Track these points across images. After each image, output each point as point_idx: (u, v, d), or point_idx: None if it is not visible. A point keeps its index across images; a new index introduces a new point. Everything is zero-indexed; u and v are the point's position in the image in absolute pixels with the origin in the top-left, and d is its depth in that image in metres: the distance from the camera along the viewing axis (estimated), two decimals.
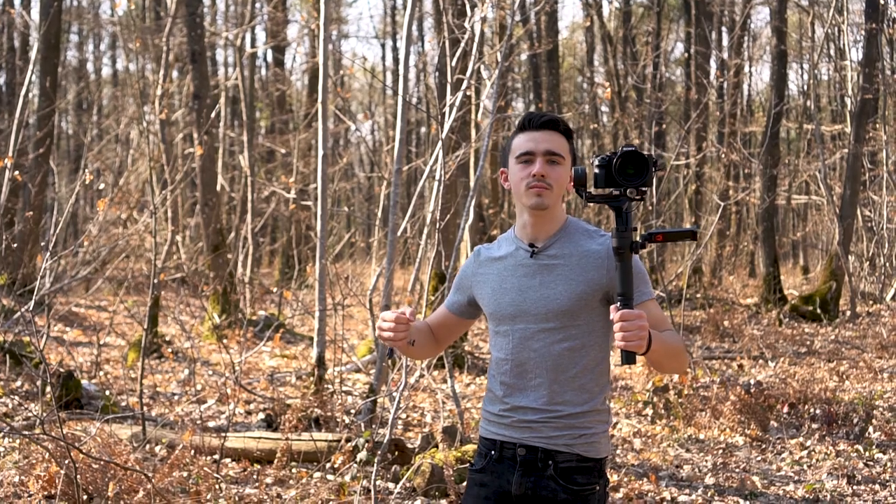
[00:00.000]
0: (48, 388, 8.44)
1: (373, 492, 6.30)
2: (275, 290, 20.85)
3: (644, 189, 3.00)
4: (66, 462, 5.86)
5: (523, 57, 27.72)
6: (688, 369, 10.99)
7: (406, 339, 3.25)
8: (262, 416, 9.28)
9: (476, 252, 3.57)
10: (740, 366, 12.81)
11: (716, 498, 7.14)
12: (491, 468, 3.36)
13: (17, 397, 9.65)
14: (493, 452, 3.36)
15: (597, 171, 3.02)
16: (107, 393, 9.88)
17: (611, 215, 3.49)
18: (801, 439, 8.85)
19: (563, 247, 3.29)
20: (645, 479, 7.52)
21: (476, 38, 9.76)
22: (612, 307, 2.99)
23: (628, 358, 2.96)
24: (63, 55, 30.32)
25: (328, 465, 7.38)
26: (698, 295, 20.93)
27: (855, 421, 9.15)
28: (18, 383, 10.37)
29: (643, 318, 2.93)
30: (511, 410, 3.32)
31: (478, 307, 3.53)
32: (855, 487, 7.35)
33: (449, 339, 3.63)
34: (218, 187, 19.43)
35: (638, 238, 3.02)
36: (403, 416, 9.80)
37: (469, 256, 3.59)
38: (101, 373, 11.61)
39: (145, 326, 9.05)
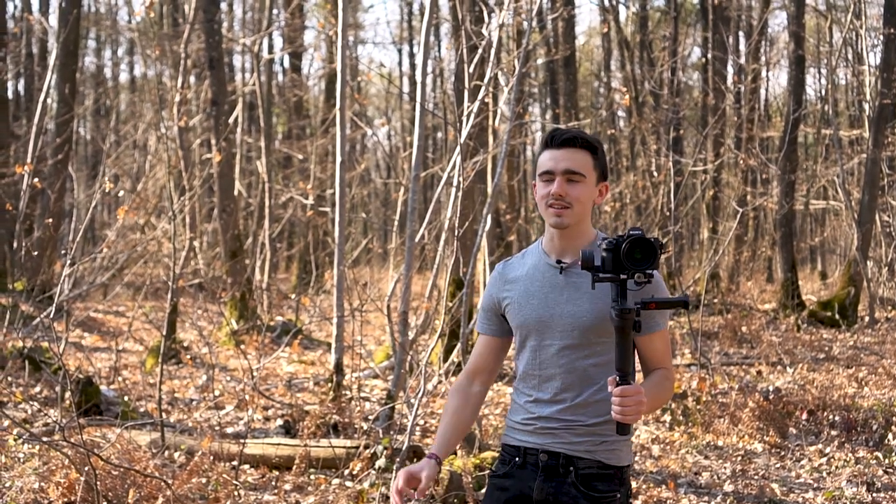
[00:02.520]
0: (67, 394, 8.48)
1: (391, 499, 6.30)
2: (292, 295, 20.88)
3: (651, 273, 3.04)
4: (86, 468, 5.88)
5: (540, 62, 27.69)
6: (706, 376, 10.99)
7: (424, 490, 3.41)
8: (280, 422, 9.29)
9: (499, 270, 3.57)
10: (759, 372, 12.77)
11: None
12: (514, 473, 3.39)
13: (36, 403, 9.68)
14: (517, 459, 3.39)
15: (604, 254, 3.05)
16: (125, 399, 9.91)
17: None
18: (820, 446, 8.82)
19: None
20: (664, 486, 7.50)
21: (494, 45, 9.76)
22: (609, 379, 3.07)
23: (622, 429, 3.11)
24: (81, 61, 30.45)
25: (347, 472, 7.38)
26: (716, 300, 20.86)
27: (874, 428, 9.11)
28: (37, 389, 10.40)
29: (641, 394, 3.02)
30: (535, 419, 3.36)
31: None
32: (874, 495, 7.32)
33: (500, 362, 3.62)
34: (235, 193, 19.48)
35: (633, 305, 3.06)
36: (421, 422, 9.80)
37: (492, 276, 3.59)
38: (120, 379, 11.64)
39: (164, 332, 9.09)
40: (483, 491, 5.61)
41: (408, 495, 3.40)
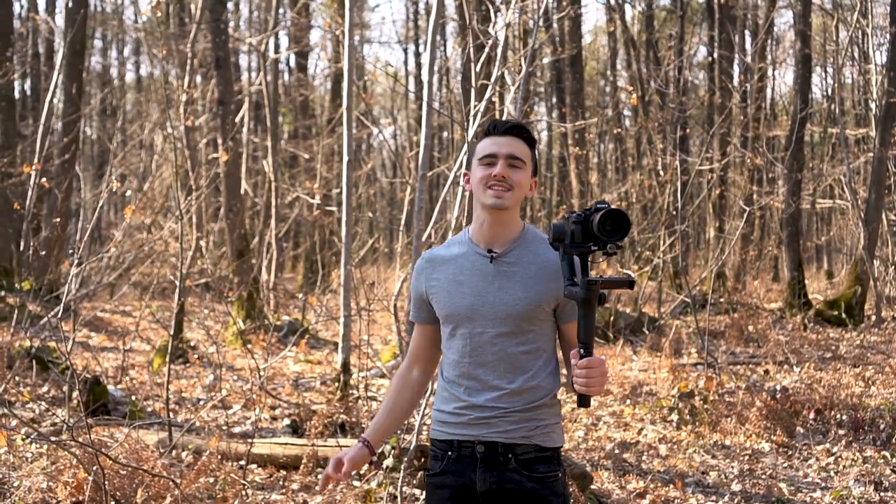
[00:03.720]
0: (75, 394, 8.50)
1: (399, 498, 6.30)
2: (299, 295, 20.90)
3: (620, 245, 3.07)
4: (94, 468, 5.88)
5: (546, 61, 27.69)
6: (713, 375, 10.98)
7: (348, 473, 3.47)
8: (287, 421, 9.30)
9: (425, 258, 3.57)
10: (765, 371, 12.75)
11: None
12: (450, 469, 3.39)
13: (44, 403, 9.70)
14: (450, 453, 3.40)
15: (573, 227, 3.08)
16: (133, 398, 9.92)
17: None
18: (827, 445, 8.81)
19: (522, 254, 3.36)
20: (671, 486, 7.50)
21: (500, 44, 9.76)
22: (572, 352, 3.12)
23: (584, 401, 3.12)
24: (87, 61, 30.48)
25: (354, 472, 7.37)
26: (722, 300, 20.86)
27: (882, 427, 9.09)
28: (45, 389, 10.42)
29: (605, 366, 3.08)
30: (467, 408, 3.36)
31: None
32: (882, 494, 7.31)
33: (438, 348, 3.60)
34: (242, 193, 19.49)
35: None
36: (428, 421, 9.80)
37: (417, 266, 3.59)
38: (127, 378, 11.66)
39: (171, 332, 9.10)
40: None
41: (335, 479, 3.47)
